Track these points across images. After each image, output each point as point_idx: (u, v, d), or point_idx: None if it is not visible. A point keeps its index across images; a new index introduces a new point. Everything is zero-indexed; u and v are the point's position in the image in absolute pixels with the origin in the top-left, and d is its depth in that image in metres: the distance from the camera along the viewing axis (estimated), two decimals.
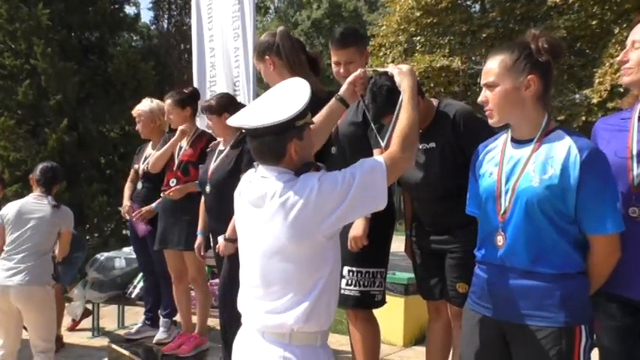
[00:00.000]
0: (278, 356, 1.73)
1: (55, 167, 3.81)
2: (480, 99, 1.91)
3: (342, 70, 2.76)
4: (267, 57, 2.92)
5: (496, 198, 1.86)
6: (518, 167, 1.83)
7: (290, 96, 1.79)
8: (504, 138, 1.94)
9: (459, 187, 2.26)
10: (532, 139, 1.84)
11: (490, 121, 1.91)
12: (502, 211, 1.84)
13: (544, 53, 1.80)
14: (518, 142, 1.88)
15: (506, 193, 1.83)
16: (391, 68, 2.14)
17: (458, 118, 2.53)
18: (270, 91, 1.93)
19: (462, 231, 2.49)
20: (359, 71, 2.33)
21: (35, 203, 3.60)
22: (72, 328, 5.22)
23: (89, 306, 5.16)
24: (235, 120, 1.83)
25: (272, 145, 1.75)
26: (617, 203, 1.76)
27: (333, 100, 2.32)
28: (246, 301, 1.86)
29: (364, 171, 1.75)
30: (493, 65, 1.85)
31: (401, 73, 2.06)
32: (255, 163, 1.87)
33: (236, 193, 1.93)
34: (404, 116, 1.92)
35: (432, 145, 2.58)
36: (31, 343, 3.52)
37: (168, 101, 3.96)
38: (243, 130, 1.88)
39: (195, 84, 5.09)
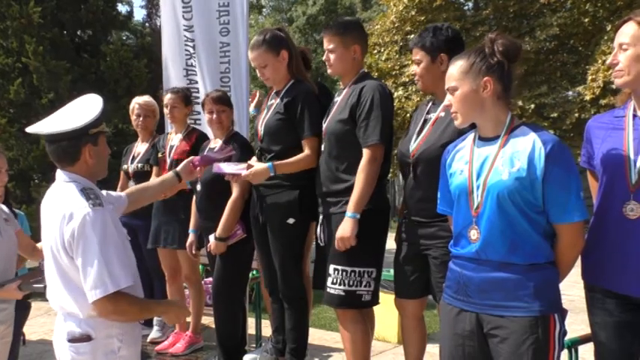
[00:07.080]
0: None
1: None
2: (444, 102, 2.01)
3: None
4: (283, 51, 2.94)
5: (468, 194, 1.93)
6: (487, 163, 1.90)
7: (85, 108, 2.00)
8: (472, 137, 2.01)
9: None
10: (498, 136, 1.91)
11: (455, 123, 2.00)
12: (475, 206, 1.90)
13: (498, 56, 1.88)
14: (484, 140, 1.95)
15: (478, 188, 1.90)
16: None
17: None
18: (68, 104, 2.06)
19: (447, 223, 2.37)
20: (196, 158, 2.61)
21: None
22: None
23: None
24: (34, 128, 1.98)
25: (67, 148, 1.95)
26: (580, 193, 1.84)
27: (169, 173, 2.58)
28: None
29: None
30: (453, 70, 1.95)
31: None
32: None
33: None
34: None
35: (442, 114, 2.51)
36: None
37: (173, 96, 3.88)
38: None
39: (168, 72, 4.89)
